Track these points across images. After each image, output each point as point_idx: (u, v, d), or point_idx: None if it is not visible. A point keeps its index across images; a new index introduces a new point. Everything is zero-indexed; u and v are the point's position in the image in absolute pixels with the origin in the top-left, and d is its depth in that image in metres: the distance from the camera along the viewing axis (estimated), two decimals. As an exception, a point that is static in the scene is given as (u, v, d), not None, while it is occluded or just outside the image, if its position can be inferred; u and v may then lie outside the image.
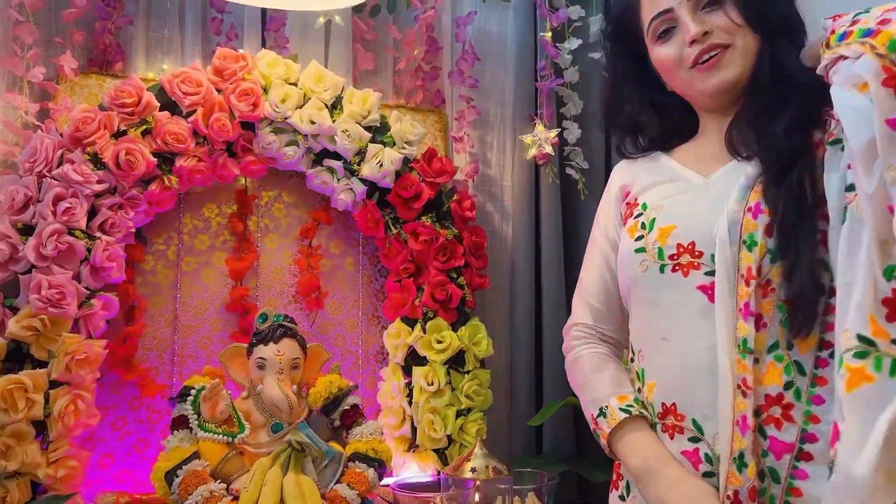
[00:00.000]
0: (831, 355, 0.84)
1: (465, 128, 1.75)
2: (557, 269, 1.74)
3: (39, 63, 1.44)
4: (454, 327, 1.59)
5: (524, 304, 1.74)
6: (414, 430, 1.57)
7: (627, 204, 1.09)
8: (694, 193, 1.00)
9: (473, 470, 1.22)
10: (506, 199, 1.79)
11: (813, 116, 0.90)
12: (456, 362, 1.59)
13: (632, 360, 1.08)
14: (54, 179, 1.35)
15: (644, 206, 1.03)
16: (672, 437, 0.97)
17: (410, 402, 1.58)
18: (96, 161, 1.38)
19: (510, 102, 1.80)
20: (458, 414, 1.56)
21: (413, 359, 1.60)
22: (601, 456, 1.75)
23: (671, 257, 0.97)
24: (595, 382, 1.06)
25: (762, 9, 0.98)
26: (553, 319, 1.71)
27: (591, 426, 1.04)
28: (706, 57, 0.98)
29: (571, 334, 1.12)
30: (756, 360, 0.86)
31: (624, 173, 1.14)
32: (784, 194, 0.86)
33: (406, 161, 1.60)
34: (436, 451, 1.56)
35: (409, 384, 1.59)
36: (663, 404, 0.98)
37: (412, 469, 1.56)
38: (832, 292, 0.83)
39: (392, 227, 1.61)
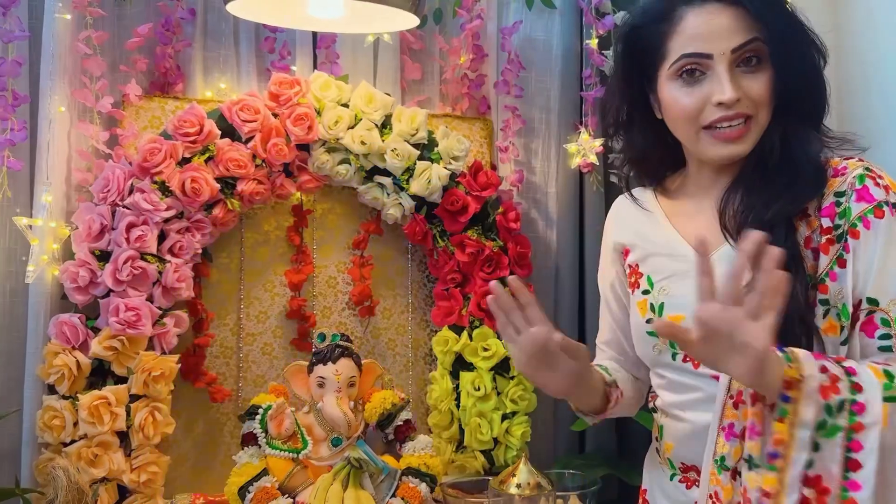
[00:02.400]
0: None
1: (511, 137, 1.79)
2: (600, 275, 1.79)
3: (107, 93, 1.52)
4: (499, 335, 1.67)
5: (568, 308, 1.81)
6: (462, 431, 1.67)
7: (630, 267, 1.11)
8: (694, 278, 1.01)
9: (519, 486, 1.32)
10: (550, 205, 1.83)
11: (806, 209, 0.93)
12: (501, 368, 1.67)
13: (653, 409, 1.14)
14: (126, 208, 1.45)
15: (650, 283, 1.05)
16: (689, 488, 1.04)
17: (458, 405, 1.67)
18: (164, 189, 1.47)
19: (555, 109, 1.83)
20: (504, 417, 1.65)
21: (460, 364, 1.68)
22: (642, 458, 1.85)
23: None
24: None
25: (797, 85, 0.96)
26: (596, 324, 1.75)
27: None
28: (727, 125, 0.95)
29: None
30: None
31: (619, 230, 1.15)
32: (784, 321, 0.86)
33: (453, 176, 1.66)
34: (482, 451, 1.66)
35: (456, 388, 1.68)
36: (682, 463, 1.05)
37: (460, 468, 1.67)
38: None
39: (440, 240, 1.68)
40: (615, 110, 1.09)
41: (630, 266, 1.11)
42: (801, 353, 0.85)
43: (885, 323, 0.90)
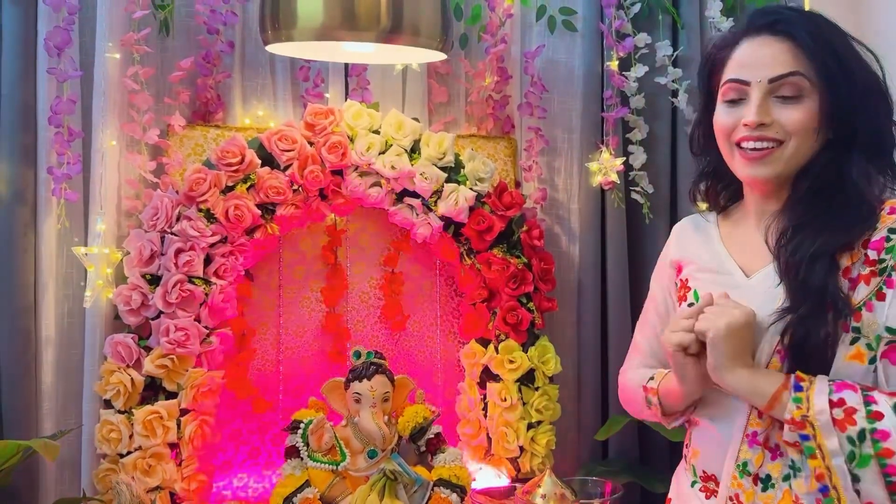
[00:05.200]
0: None
1: (534, 156, 1.86)
2: (623, 288, 1.87)
3: (153, 124, 1.62)
4: (524, 347, 1.75)
5: (590, 321, 1.88)
6: (489, 439, 1.76)
7: (680, 282, 1.19)
8: (737, 294, 1.07)
9: (543, 496, 1.40)
10: (573, 221, 1.90)
11: (853, 242, 0.97)
12: (527, 379, 1.75)
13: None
14: (174, 235, 1.55)
15: (696, 296, 1.13)
16: (708, 498, 1.12)
17: (485, 415, 1.76)
18: (209, 216, 1.56)
19: (577, 129, 1.90)
20: (530, 426, 1.74)
21: (487, 375, 1.77)
22: (663, 466, 1.93)
23: None
24: (643, 371, 1.21)
25: (847, 120, 1.00)
26: (618, 336, 1.85)
27: (644, 395, 1.16)
28: (752, 146, 1.02)
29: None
30: (773, 486, 0.98)
31: (679, 246, 1.22)
32: (811, 347, 0.94)
33: (479, 196, 1.74)
34: (509, 459, 1.75)
35: (484, 398, 1.77)
36: (704, 471, 1.13)
37: (488, 474, 1.76)
38: None
39: (467, 258, 1.76)
40: (693, 131, 1.19)
41: (680, 280, 1.18)
42: (816, 387, 0.92)
43: None
